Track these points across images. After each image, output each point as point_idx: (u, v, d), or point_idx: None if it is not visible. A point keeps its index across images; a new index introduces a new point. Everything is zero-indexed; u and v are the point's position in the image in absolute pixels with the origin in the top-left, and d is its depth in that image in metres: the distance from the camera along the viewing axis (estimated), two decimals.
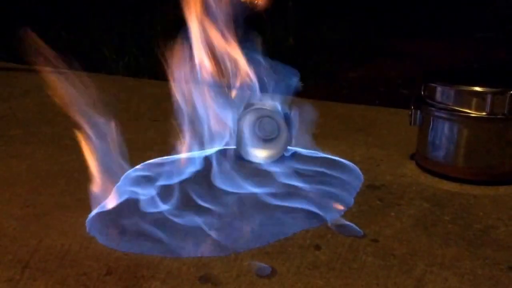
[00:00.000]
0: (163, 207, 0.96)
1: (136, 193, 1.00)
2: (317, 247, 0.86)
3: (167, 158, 1.16)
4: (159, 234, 0.88)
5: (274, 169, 1.10)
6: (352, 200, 1.02)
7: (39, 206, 1.01)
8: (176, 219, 0.92)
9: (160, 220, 0.92)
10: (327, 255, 0.84)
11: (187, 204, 0.97)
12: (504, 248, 0.86)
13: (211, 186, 1.03)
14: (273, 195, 1.00)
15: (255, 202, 0.98)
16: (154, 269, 0.80)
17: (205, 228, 0.89)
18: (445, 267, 0.80)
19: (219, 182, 1.04)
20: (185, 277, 0.78)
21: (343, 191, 1.04)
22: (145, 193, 1.00)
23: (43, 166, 1.20)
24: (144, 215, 0.94)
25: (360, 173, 1.14)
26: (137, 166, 1.14)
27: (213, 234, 0.88)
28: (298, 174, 1.09)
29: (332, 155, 1.21)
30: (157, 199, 0.98)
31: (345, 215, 0.97)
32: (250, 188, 1.02)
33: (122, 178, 1.07)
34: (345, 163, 1.18)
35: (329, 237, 0.89)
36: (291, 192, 1.02)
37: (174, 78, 1.13)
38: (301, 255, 0.84)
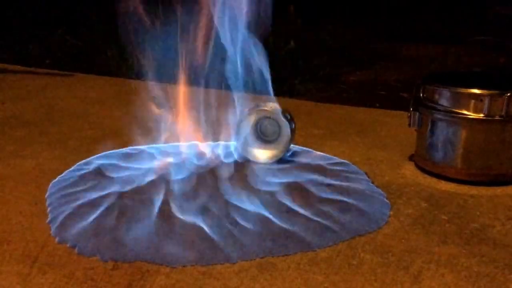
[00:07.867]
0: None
1: None
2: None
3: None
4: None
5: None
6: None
7: None
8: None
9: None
10: (327, 251, 0.86)
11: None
12: (500, 246, 0.87)
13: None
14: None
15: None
16: (159, 264, 0.82)
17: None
18: (441, 264, 0.82)
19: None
20: (189, 272, 0.80)
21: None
22: None
23: (50, 165, 1.22)
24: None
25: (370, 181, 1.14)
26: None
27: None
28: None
29: (333, 156, 1.23)
30: None
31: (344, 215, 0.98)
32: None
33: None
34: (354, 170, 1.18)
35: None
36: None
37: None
38: (301, 251, 0.85)
